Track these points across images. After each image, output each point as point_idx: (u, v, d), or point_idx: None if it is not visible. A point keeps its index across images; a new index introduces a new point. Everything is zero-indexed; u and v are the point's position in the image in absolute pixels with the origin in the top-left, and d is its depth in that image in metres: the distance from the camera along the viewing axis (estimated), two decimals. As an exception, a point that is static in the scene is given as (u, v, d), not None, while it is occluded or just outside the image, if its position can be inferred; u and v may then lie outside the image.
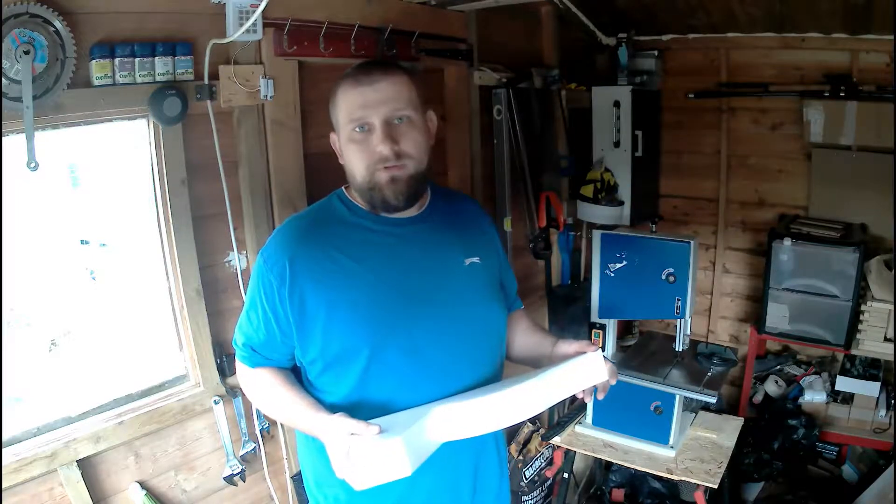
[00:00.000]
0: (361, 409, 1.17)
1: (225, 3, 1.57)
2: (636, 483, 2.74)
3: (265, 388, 1.28)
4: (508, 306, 1.43)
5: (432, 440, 1.12)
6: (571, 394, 1.16)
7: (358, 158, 1.20)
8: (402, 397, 1.18)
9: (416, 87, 1.24)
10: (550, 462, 2.69)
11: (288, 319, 1.19)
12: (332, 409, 1.20)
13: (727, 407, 3.01)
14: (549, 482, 2.76)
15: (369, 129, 1.19)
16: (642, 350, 2.34)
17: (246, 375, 1.32)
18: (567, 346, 1.26)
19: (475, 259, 1.32)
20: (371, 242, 1.24)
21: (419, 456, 1.07)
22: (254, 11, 1.57)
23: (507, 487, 1.44)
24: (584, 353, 1.19)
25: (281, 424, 1.88)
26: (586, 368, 1.17)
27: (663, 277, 2.01)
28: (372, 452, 1.04)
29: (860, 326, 2.56)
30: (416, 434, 1.09)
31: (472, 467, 1.29)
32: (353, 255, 1.21)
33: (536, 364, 1.30)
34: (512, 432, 2.74)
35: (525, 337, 1.44)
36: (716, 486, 2.00)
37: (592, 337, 2.35)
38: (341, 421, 1.08)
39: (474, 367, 1.25)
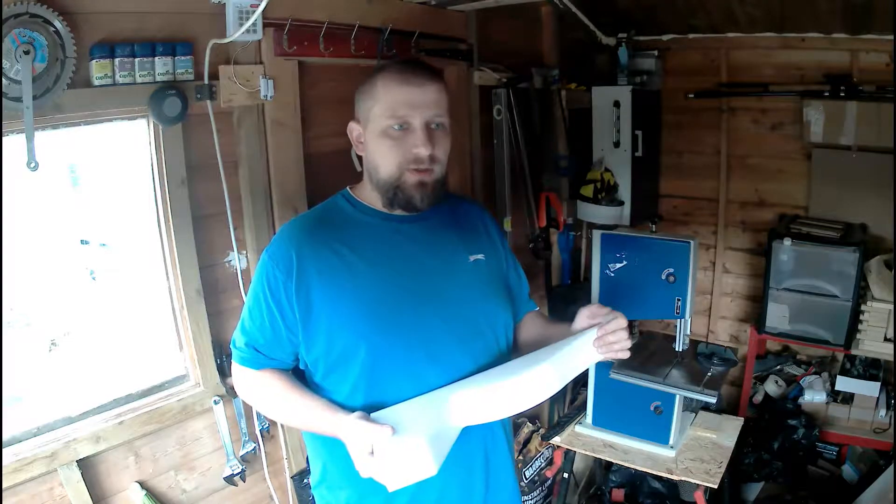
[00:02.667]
0: (369, 406, 1.17)
1: (225, 3, 1.57)
2: (636, 483, 2.74)
3: (272, 392, 1.24)
4: (520, 308, 1.42)
5: (452, 430, 1.13)
6: (584, 368, 1.20)
7: (390, 155, 1.19)
8: (408, 393, 1.17)
9: (449, 96, 1.26)
10: (550, 462, 2.69)
11: (294, 315, 1.18)
12: (343, 407, 1.19)
13: (727, 407, 3.00)
14: (549, 482, 2.76)
15: (407, 129, 1.19)
16: (642, 350, 2.33)
17: (248, 378, 1.26)
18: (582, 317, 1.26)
19: (479, 256, 1.32)
20: (377, 240, 1.24)
21: (442, 452, 1.08)
22: (254, 11, 1.57)
23: (516, 479, 1.43)
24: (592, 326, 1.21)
25: (281, 424, 1.88)
26: (588, 345, 1.19)
27: (663, 277, 2.00)
28: (396, 455, 1.04)
29: (860, 326, 2.55)
30: (437, 432, 1.09)
31: (483, 459, 1.28)
32: (359, 252, 1.21)
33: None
34: (512, 430, 2.74)
35: (539, 333, 1.40)
36: (716, 486, 2.00)
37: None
38: (359, 423, 1.07)
39: (479, 363, 1.24)
